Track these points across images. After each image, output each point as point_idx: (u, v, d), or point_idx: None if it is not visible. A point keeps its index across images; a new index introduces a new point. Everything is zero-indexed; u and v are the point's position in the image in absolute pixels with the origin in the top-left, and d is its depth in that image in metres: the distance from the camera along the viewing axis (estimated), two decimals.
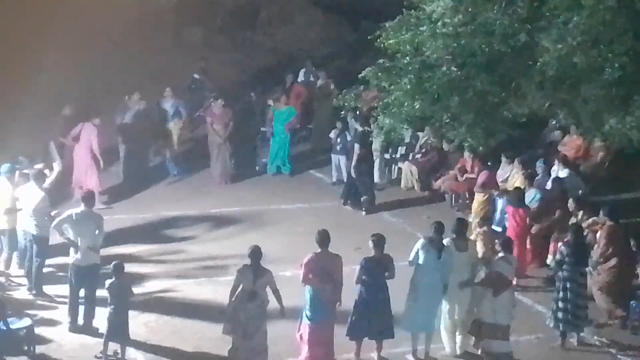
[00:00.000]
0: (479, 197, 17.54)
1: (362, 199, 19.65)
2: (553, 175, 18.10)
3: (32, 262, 15.19)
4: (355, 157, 19.54)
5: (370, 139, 19.49)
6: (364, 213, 19.59)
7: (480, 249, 15.28)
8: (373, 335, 13.44)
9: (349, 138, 20.75)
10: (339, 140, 21.02)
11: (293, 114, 21.92)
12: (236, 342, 12.83)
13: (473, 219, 17.03)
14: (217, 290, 14.77)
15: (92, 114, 19.55)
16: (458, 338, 13.83)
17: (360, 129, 20.09)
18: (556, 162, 18.53)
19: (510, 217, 16.46)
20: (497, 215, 16.97)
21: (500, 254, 13.63)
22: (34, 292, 15.15)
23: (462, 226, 14.01)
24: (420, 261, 13.36)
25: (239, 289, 12.72)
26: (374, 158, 20.90)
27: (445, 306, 13.68)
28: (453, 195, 20.10)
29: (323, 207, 20.02)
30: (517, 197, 16.52)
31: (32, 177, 15.46)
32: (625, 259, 14.78)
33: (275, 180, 21.55)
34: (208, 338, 13.42)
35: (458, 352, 13.82)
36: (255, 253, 12.81)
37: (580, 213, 15.78)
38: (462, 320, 13.73)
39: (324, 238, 13.07)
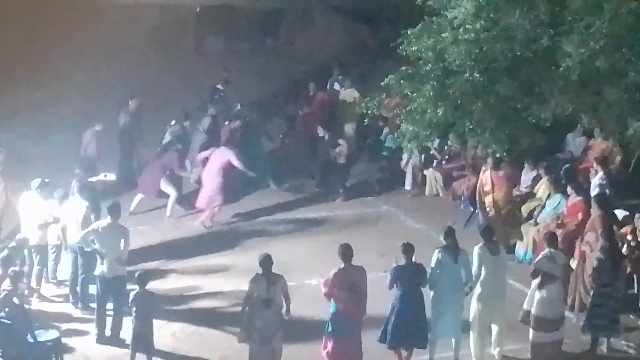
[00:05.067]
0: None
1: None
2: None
3: (77, 275, 15.28)
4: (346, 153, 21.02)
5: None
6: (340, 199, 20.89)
7: None
8: (407, 345, 13.39)
9: None
10: None
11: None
12: (253, 349, 12.86)
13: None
14: None
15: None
16: (495, 348, 13.87)
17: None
18: (594, 164, 18.29)
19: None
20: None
21: (545, 251, 13.67)
22: (80, 305, 15.22)
23: (490, 230, 14.07)
24: (440, 269, 13.34)
25: (254, 297, 12.78)
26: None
27: (477, 311, 13.64)
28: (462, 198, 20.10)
29: (346, 215, 20.03)
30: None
31: (77, 190, 15.54)
32: None
33: (298, 190, 21.53)
34: (234, 348, 13.42)
35: (497, 357, 13.86)
36: (266, 261, 12.82)
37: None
38: (500, 328, 13.76)
39: (347, 252, 12.93)
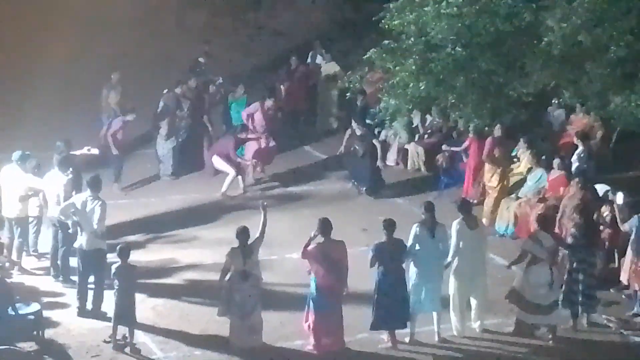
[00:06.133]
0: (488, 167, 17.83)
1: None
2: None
3: (57, 248, 15.21)
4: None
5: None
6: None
7: None
8: (389, 326, 13.38)
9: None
10: None
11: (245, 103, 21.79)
12: (234, 323, 12.94)
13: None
14: None
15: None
16: (476, 322, 13.90)
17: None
18: (575, 139, 18.32)
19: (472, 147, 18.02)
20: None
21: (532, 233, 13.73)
22: (60, 279, 15.17)
23: (467, 205, 14.09)
24: (417, 244, 13.30)
25: (231, 270, 12.81)
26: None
27: (456, 285, 13.64)
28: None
29: (329, 189, 20.01)
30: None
31: (57, 163, 15.47)
32: None
33: (280, 163, 21.47)
34: (215, 321, 13.44)
35: (478, 330, 13.90)
36: (243, 234, 12.86)
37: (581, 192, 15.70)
38: (479, 302, 13.80)
39: (325, 226, 12.92)
